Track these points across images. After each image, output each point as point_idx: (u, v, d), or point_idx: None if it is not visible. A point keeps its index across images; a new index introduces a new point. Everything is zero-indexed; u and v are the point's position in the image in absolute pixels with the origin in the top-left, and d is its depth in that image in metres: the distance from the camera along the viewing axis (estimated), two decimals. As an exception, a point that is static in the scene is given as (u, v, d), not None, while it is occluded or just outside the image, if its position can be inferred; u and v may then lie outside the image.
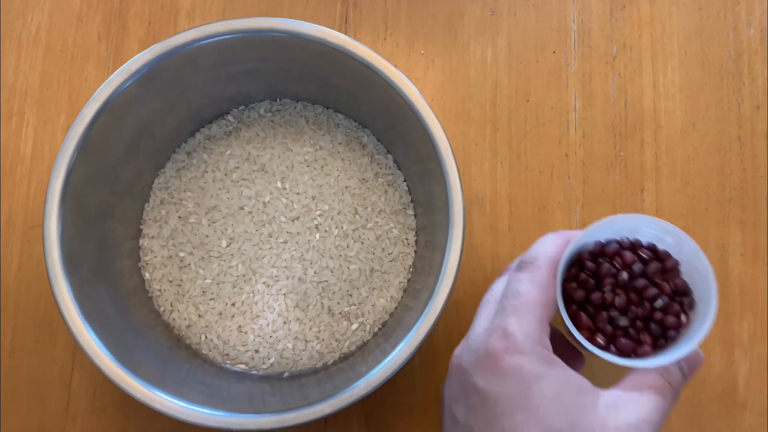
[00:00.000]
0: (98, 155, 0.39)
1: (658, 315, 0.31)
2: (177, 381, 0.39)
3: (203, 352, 0.44)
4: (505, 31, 0.49)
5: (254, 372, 0.44)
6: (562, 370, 0.29)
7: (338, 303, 0.44)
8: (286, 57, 0.41)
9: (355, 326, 0.44)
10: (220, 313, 0.44)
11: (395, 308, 0.45)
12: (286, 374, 0.43)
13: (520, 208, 0.47)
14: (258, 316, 0.44)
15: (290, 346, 0.44)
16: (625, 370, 0.31)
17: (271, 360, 0.44)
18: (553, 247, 0.32)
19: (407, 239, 0.45)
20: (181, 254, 0.44)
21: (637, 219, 0.32)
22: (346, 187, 0.46)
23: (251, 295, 0.44)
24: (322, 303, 0.44)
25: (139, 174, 0.44)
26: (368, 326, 0.44)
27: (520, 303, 0.30)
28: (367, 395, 0.36)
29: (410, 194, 0.46)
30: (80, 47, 0.48)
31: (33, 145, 0.47)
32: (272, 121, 0.47)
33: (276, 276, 0.44)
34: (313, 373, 0.43)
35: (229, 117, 0.46)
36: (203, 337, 0.44)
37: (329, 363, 0.44)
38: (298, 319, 0.44)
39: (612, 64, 0.48)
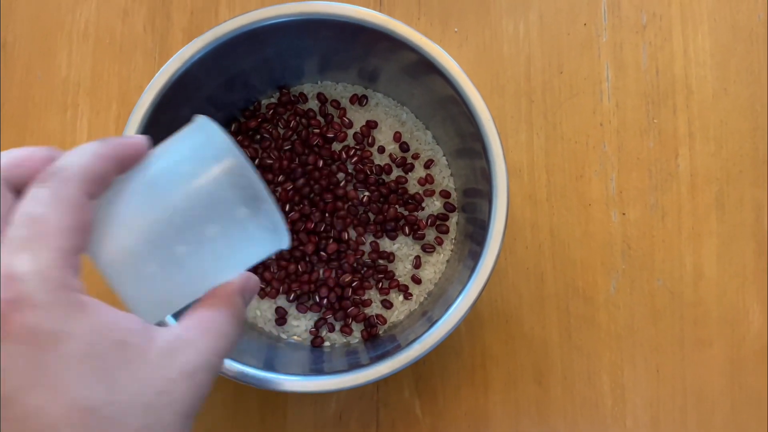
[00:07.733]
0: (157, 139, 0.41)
1: None
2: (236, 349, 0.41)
3: (259, 325, 0.46)
4: (536, 5, 0.50)
5: (308, 343, 0.46)
6: (97, 317, 0.22)
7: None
8: (327, 39, 0.43)
9: (401, 297, 0.46)
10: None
11: (439, 279, 0.46)
12: (337, 345, 0.46)
13: (558, 178, 0.48)
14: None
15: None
16: None
17: (324, 332, 0.46)
18: (92, 156, 0.24)
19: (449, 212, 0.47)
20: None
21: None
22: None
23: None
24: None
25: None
26: (414, 297, 0.46)
27: (33, 232, 0.21)
28: (420, 358, 0.38)
29: (450, 168, 0.47)
30: (127, 39, 0.50)
31: (88, 135, 0.49)
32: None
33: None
34: (363, 341, 0.45)
35: (272, 99, 0.48)
36: (258, 312, 0.46)
37: (379, 332, 0.46)
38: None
39: (642, 34, 0.49)
